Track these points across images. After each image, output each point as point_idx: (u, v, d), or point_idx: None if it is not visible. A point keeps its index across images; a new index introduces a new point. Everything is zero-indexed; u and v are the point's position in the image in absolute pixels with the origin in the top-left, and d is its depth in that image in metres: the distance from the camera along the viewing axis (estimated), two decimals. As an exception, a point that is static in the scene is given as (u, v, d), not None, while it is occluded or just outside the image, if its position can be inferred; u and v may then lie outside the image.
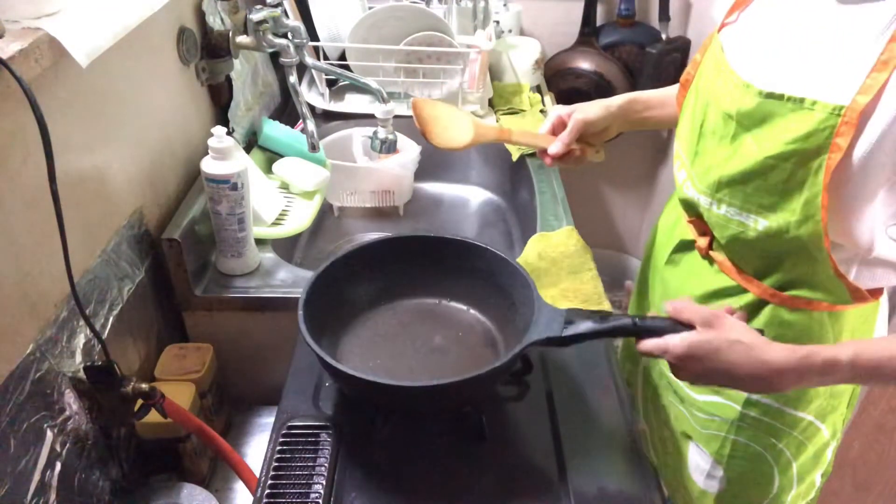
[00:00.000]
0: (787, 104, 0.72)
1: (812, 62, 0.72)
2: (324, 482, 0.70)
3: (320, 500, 0.68)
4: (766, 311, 0.85)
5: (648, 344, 0.71)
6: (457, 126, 0.96)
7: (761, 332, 0.71)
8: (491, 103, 1.57)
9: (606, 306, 0.95)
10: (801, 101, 0.71)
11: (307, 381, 0.83)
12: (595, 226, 2.31)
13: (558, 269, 1.02)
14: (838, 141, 0.68)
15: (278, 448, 0.74)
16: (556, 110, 0.96)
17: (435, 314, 0.90)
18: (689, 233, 0.93)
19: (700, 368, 0.69)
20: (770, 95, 0.74)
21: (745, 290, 0.87)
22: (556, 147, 0.92)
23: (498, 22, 1.77)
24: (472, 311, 0.89)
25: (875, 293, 0.84)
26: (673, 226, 0.99)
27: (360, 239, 1.40)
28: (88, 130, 0.81)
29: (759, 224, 0.78)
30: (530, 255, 1.05)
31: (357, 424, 0.77)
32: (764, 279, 0.85)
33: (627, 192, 2.29)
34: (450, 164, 1.55)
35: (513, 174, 1.44)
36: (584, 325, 0.73)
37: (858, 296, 0.81)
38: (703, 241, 0.90)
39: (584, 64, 1.88)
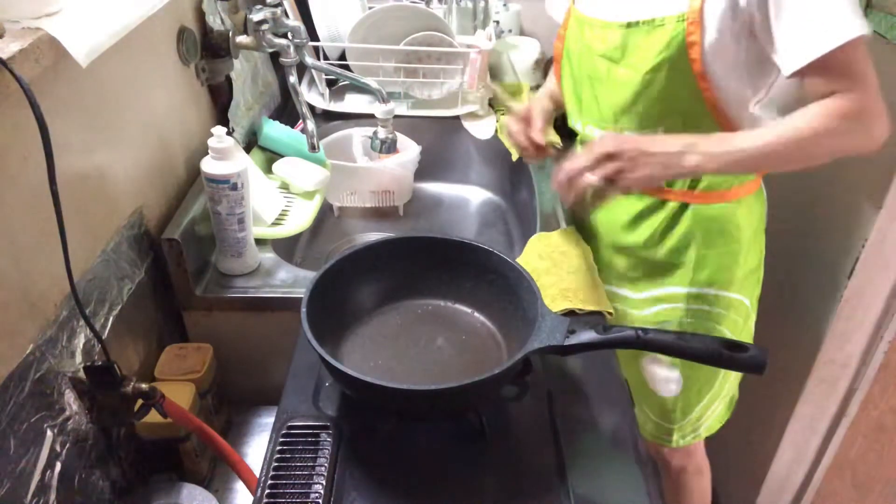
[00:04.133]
0: (643, 27, 0.92)
1: None
2: (324, 482, 0.70)
3: (320, 500, 0.68)
4: (689, 213, 1.03)
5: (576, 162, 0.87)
6: None
7: None
8: (491, 103, 1.57)
9: (606, 306, 0.95)
10: (653, 20, 0.91)
11: (307, 381, 0.83)
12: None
13: (558, 269, 1.01)
14: (691, 39, 0.88)
15: (278, 448, 0.74)
16: (511, 117, 1.14)
17: (438, 316, 0.90)
18: None
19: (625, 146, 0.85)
20: (630, 25, 0.93)
21: (665, 201, 1.04)
22: (537, 136, 1.09)
23: (498, 22, 1.77)
24: (476, 313, 0.89)
25: None
26: None
27: (361, 239, 1.40)
28: (88, 130, 0.81)
29: (659, 132, 0.95)
30: (530, 255, 1.05)
31: (357, 424, 0.77)
32: (675, 183, 1.02)
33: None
34: (450, 164, 1.55)
35: (512, 174, 1.44)
36: (586, 336, 0.73)
37: None
38: None
39: (584, 64, 1.88)
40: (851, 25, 0.81)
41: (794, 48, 0.84)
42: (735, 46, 0.89)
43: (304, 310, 0.75)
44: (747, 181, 1.03)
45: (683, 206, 1.03)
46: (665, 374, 1.14)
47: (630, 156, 0.85)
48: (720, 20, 0.87)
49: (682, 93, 0.92)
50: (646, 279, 1.11)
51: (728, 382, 1.17)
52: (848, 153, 0.91)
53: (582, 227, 1.18)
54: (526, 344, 0.74)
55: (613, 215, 1.11)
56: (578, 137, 1.12)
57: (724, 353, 0.69)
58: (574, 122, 1.09)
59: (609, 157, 0.86)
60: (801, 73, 0.85)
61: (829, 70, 0.84)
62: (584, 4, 1.01)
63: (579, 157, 0.87)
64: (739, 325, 1.11)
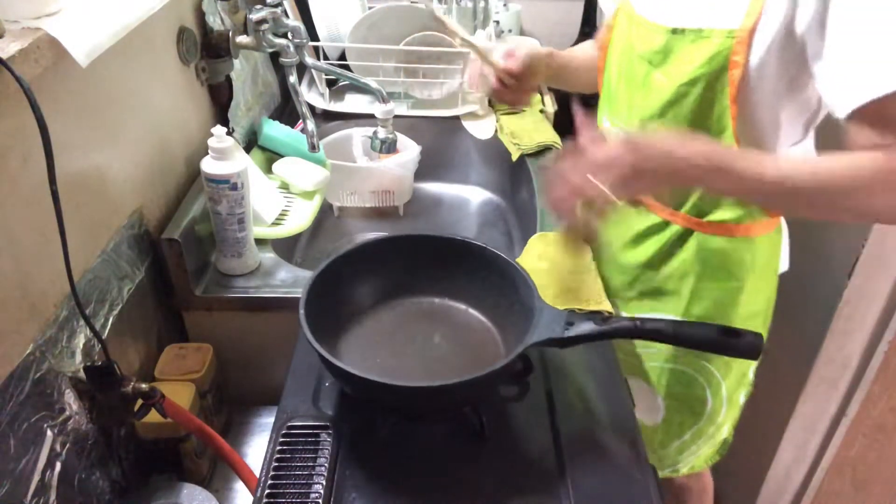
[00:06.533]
0: (689, 36, 0.86)
1: None
2: (324, 482, 0.70)
3: (320, 500, 0.68)
4: (693, 241, 0.98)
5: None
6: None
7: None
8: (491, 103, 1.57)
9: (606, 306, 0.95)
10: (700, 31, 0.84)
11: (307, 381, 0.83)
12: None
13: (558, 269, 1.02)
14: (735, 58, 0.81)
15: (278, 448, 0.74)
16: (502, 47, 1.09)
17: (434, 313, 0.90)
18: None
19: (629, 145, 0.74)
20: (675, 31, 0.87)
21: (669, 223, 0.99)
22: (514, 63, 1.03)
23: (498, 22, 1.77)
24: (470, 309, 0.89)
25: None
26: None
27: (360, 239, 1.40)
28: (88, 130, 0.81)
29: None
30: (530, 255, 1.05)
31: (357, 424, 0.77)
32: (683, 207, 0.97)
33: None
34: (450, 164, 1.55)
35: (513, 174, 1.44)
36: (585, 327, 0.73)
37: None
38: None
39: (584, 64, 1.87)
40: None
41: (850, 84, 0.72)
42: (777, 77, 0.82)
43: (302, 311, 0.75)
44: (763, 220, 0.96)
45: (688, 233, 0.98)
46: (648, 401, 1.10)
47: (646, 165, 0.73)
48: (770, 44, 0.79)
49: (712, 114, 0.86)
50: (639, 301, 1.07)
51: (715, 423, 1.10)
52: (877, 219, 0.84)
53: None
54: (525, 337, 0.74)
55: (617, 231, 1.07)
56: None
57: (721, 339, 0.71)
58: (602, 118, 1.03)
59: (629, 164, 0.73)
60: (854, 117, 0.72)
61: (884, 117, 0.71)
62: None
63: (581, 161, 0.74)
64: (731, 367, 1.05)
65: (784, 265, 1.06)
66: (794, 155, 0.87)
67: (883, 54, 0.69)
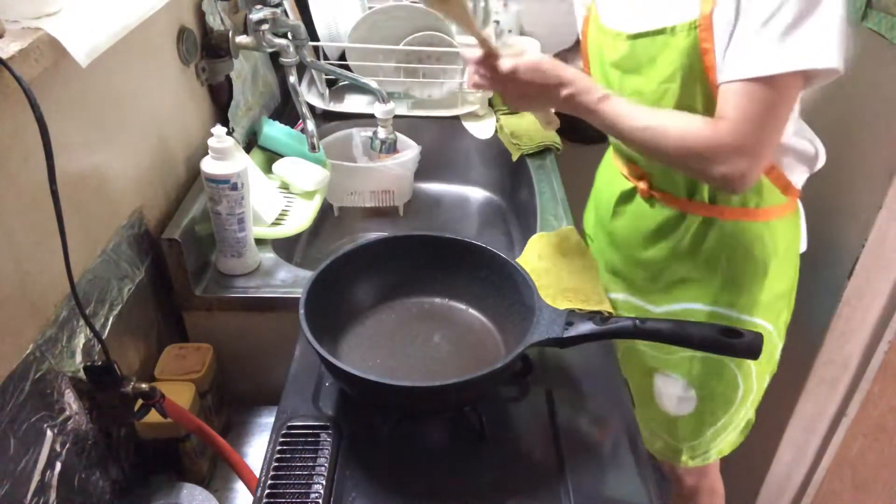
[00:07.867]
0: (654, 38, 0.89)
1: None
2: (324, 482, 0.70)
3: (320, 500, 0.68)
4: (715, 230, 1.00)
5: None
6: None
7: None
8: (491, 103, 1.57)
9: (607, 306, 0.95)
10: (663, 30, 0.87)
11: (307, 381, 0.83)
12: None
13: (558, 269, 1.02)
14: (704, 45, 0.85)
15: (278, 448, 0.74)
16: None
17: (434, 313, 0.90)
18: (627, 184, 1.08)
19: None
20: (637, 36, 0.90)
21: (685, 216, 1.01)
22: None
23: (498, 22, 1.77)
24: (471, 309, 0.90)
25: (795, 192, 1.01)
26: (610, 184, 1.13)
27: (360, 239, 1.40)
28: (88, 130, 0.81)
29: None
30: (530, 255, 1.05)
31: (357, 424, 0.77)
32: (696, 195, 0.99)
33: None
34: (450, 164, 1.55)
35: (513, 174, 1.44)
36: (585, 327, 0.73)
37: (781, 183, 0.98)
38: (643, 184, 1.04)
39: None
40: (802, 56, 0.78)
41: (733, 60, 0.82)
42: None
43: (301, 311, 0.75)
44: (781, 203, 1.00)
45: (708, 222, 1.00)
46: (679, 393, 1.12)
47: (522, 86, 0.86)
48: (730, 25, 0.83)
49: (696, 102, 0.89)
50: (665, 293, 1.09)
51: (745, 407, 1.12)
52: (691, 176, 0.94)
53: (603, 237, 1.16)
54: (525, 337, 0.74)
55: (634, 228, 1.09)
56: (612, 142, 1.11)
57: (721, 339, 0.70)
58: None
59: (510, 77, 0.86)
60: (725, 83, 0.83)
61: (740, 95, 0.81)
62: (603, 8, 0.98)
63: (486, 62, 0.87)
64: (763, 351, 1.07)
65: (803, 245, 1.08)
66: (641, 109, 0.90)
67: (752, 45, 0.80)
